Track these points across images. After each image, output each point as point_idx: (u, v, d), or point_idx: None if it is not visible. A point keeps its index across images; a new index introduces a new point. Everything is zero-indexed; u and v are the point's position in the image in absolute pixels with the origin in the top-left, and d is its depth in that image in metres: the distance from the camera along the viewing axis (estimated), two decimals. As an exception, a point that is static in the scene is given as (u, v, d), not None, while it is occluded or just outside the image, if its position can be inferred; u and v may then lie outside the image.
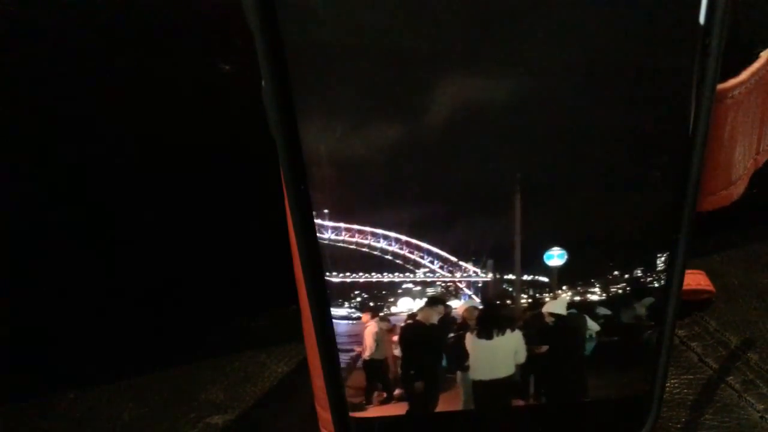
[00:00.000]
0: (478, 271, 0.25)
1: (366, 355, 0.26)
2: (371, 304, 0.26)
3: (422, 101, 0.22)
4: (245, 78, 0.37)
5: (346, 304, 0.25)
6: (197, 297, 0.43)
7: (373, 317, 0.26)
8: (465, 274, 0.25)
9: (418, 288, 0.26)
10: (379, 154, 0.23)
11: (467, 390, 0.27)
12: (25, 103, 0.36)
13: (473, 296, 0.26)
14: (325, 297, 0.25)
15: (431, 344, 0.27)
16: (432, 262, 0.25)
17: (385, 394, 0.27)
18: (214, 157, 0.39)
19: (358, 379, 0.27)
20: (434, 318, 0.26)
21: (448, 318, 0.26)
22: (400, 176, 0.23)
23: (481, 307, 0.26)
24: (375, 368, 0.27)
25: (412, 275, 0.25)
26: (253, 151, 0.35)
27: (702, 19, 0.22)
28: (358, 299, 0.26)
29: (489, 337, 0.26)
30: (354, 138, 0.23)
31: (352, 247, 0.25)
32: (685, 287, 0.26)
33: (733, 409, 0.34)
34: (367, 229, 0.24)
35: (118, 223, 0.39)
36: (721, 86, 0.24)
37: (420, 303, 0.26)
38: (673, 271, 0.26)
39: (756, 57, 0.26)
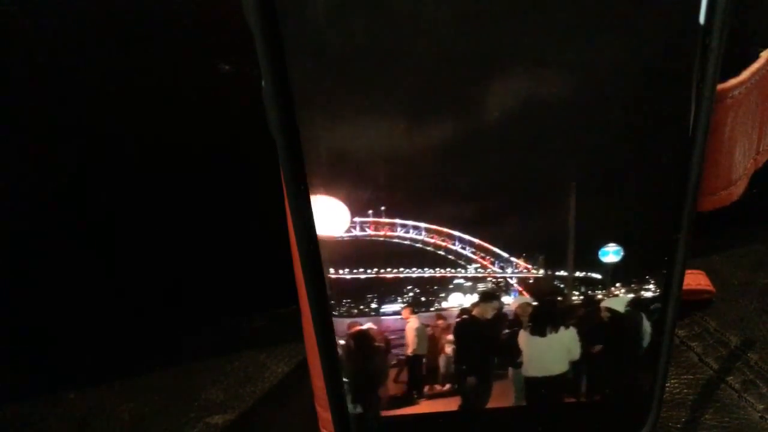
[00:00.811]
0: (530, 267, 0.25)
1: (409, 351, 0.26)
2: (422, 299, 0.26)
3: (422, 100, 0.22)
4: (245, 78, 0.37)
5: (399, 299, 0.25)
6: (197, 297, 0.43)
7: (414, 313, 0.26)
8: (516, 270, 0.25)
9: (469, 284, 0.26)
10: (430, 152, 0.23)
11: (518, 386, 0.27)
12: (25, 103, 0.36)
13: (523, 292, 0.26)
14: (325, 297, 0.25)
15: (485, 340, 0.26)
16: (483, 258, 0.25)
17: (429, 390, 0.27)
18: (214, 158, 0.39)
19: (400, 375, 0.27)
20: (489, 314, 0.26)
21: (501, 314, 0.26)
22: (451, 173, 0.23)
23: (534, 303, 0.26)
24: (417, 364, 0.26)
25: (463, 271, 0.25)
26: (253, 151, 0.35)
27: (702, 19, 0.22)
28: (410, 294, 0.26)
29: (542, 334, 0.26)
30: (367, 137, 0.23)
31: (406, 243, 0.25)
32: (685, 287, 0.26)
33: (733, 409, 0.34)
34: (422, 224, 0.24)
35: (118, 223, 0.39)
36: (721, 86, 0.24)
37: (471, 299, 0.26)
38: (673, 271, 0.26)
39: (756, 57, 0.26)
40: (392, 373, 0.26)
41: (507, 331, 0.26)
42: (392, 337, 0.26)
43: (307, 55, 0.22)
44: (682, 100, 0.23)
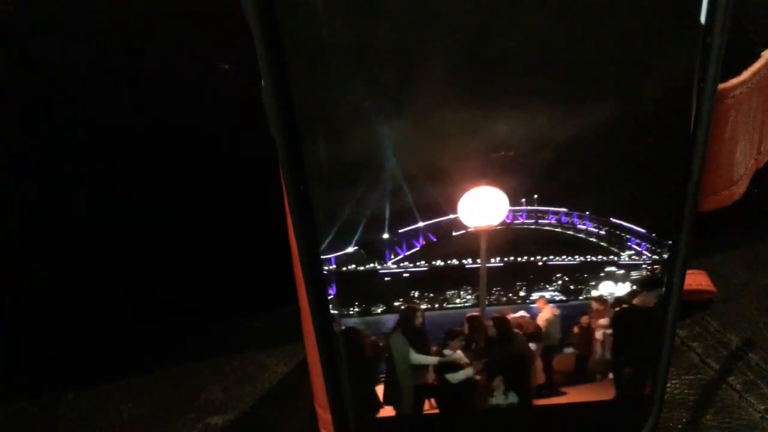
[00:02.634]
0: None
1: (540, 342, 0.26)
2: (571, 287, 0.25)
3: (422, 99, 0.22)
4: (245, 78, 0.37)
5: (549, 287, 0.25)
6: (197, 297, 0.43)
7: (547, 302, 0.26)
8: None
9: (622, 271, 0.25)
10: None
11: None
12: (25, 103, 0.36)
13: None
14: (325, 297, 0.25)
15: (647, 329, 0.26)
16: (639, 245, 0.25)
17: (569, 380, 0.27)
18: (214, 158, 0.39)
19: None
20: (652, 302, 0.26)
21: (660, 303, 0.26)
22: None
23: None
24: (551, 355, 0.26)
25: (616, 258, 0.25)
26: (253, 151, 0.34)
27: (703, 19, 0.22)
28: (560, 282, 0.25)
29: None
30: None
31: (557, 230, 0.24)
32: (686, 287, 0.26)
33: (734, 409, 0.34)
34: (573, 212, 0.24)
35: (117, 222, 0.39)
36: (722, 86, 0.24)
37: (624, 287, 0.26)
38: (674, 271, 0.26)
39: (757, 56, 0.26)
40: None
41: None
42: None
43: (306, 55, 0.22)
44: (683, 99, 0.23)
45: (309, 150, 0.23)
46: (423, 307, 0.25)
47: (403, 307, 0.25)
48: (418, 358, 0.26)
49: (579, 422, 0.28)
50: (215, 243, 0.41)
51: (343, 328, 0.25)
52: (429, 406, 0.27)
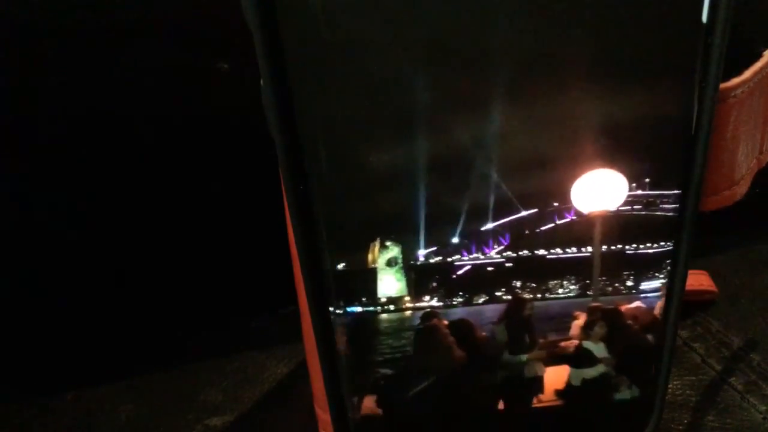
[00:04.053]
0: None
1: None
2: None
3: (422, 101, 0.22)
4: (245, 78, 0.37)
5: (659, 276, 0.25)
6: (197, 297, 0.43)
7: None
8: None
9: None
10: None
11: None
12: (25, 103, 0.36)
13: None
14: (325, 297, 0.25)
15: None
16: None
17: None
18: (214, 158, 0.39)
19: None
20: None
21: None
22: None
23: None
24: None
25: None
26: (253, 152, 0.34)
27: (705, 18, 0.22)
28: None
29: None
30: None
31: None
32: (687, 288, 0.26)
33: (736, 410, 0.34)
34: None
35: (117, 223, 0.39)
36: (723, 85, 0.24)
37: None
38: (676, 272, 0.26)
39: (759, 56, 0.26)
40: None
41: None
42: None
43: (306, 55, 0.22)
44: (684, 99, 0.23)
45: (309, 150, 0.23)
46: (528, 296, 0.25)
47: (509, 297, 0.25)
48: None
49: (581, 423, 0.28)
50: (215, 243, 0.41)
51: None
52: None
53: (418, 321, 0.26)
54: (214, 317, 0.43)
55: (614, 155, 0.23)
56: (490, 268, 0.25)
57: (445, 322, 0.26)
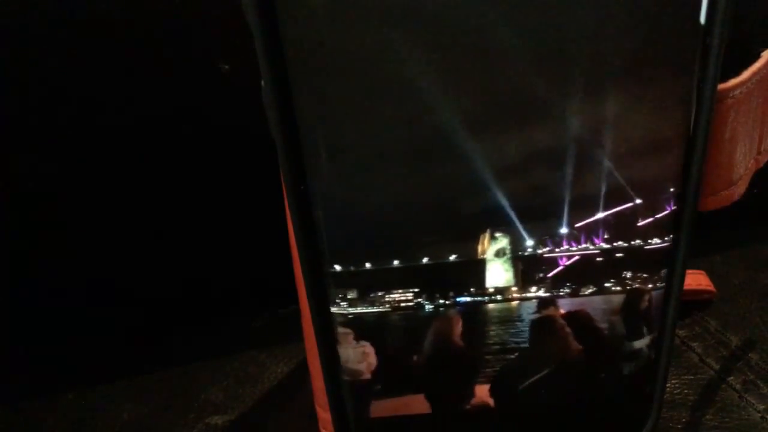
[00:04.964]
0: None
1: None
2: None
3: (423, 101, 0.22)
4: (245, 78, 0.37)
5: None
6: (197, 297, 0.43)
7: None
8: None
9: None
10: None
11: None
12: (25, 103, 0.36)
13: None
14: (325, 297, 0.25)
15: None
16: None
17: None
18: (214, 158, 0.39)
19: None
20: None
21: None
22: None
23: None
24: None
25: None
26: (253, 151, 0.34)
27: (703, 19, 0.22)
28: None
29: None
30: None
31: None
32: (685, 287, 0.26)
33: (734, 409, 0.34)
34: None
35: (117, 222, 0.39)
36: (721, 86, 0.24)
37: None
38: (674, 271, 0.26)
39: (757, 56, 0.26)
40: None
41: None
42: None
43: (306, 55, 0.22)
44: (682, 100, 0.23)
45: (309, 150, 0.23)
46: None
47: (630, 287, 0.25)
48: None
49: (580, 423, 0.28)
50: (215, 243, 0.41)
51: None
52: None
53: (532, 311, 0.26)
54: (214, 317, 0.43)
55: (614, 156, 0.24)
56: (599, 259, 0.25)
57: (562, 312, 0.26)
